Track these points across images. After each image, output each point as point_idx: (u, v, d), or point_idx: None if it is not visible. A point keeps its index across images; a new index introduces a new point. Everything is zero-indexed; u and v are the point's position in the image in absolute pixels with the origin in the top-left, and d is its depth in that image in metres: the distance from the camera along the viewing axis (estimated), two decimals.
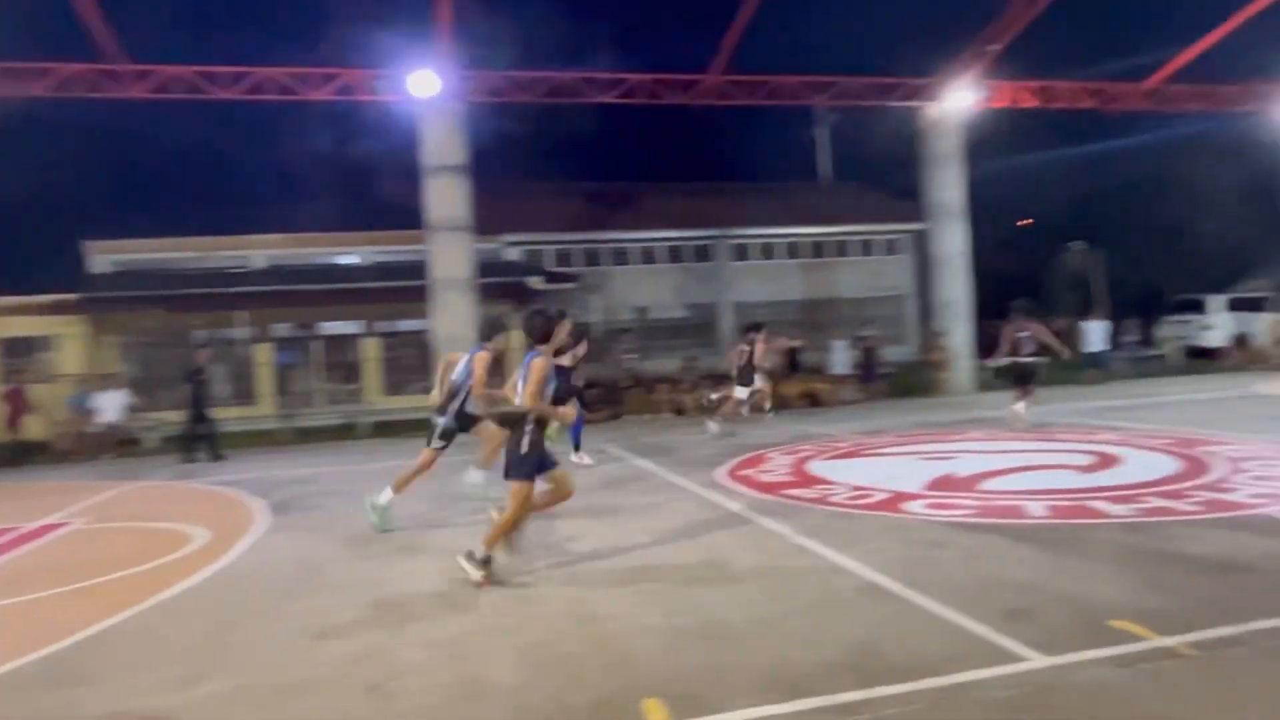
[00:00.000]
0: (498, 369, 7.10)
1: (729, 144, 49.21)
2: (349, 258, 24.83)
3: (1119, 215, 36.45)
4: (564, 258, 27.91)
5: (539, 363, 5.43)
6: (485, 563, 5.50)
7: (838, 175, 37.33)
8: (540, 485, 5.67)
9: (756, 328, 13.08)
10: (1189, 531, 5.89)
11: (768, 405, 13.88)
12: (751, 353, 12.74)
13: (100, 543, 7.62)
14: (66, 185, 30.70)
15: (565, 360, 9.19)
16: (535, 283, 20.77)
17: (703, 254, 29.67)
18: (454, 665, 4.17)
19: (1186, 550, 5.43)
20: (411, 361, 18.01)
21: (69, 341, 17.45)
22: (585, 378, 11.62)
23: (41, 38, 14.89)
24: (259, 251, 24.41)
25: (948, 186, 18.58)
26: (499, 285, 19.37)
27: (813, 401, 16.57)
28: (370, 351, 18.32)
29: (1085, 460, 8.93)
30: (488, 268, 17.95)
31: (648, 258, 29.40)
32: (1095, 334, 19.35)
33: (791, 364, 19.40)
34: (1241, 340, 22.43)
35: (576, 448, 10.41)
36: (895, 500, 7.38)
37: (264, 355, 17.99)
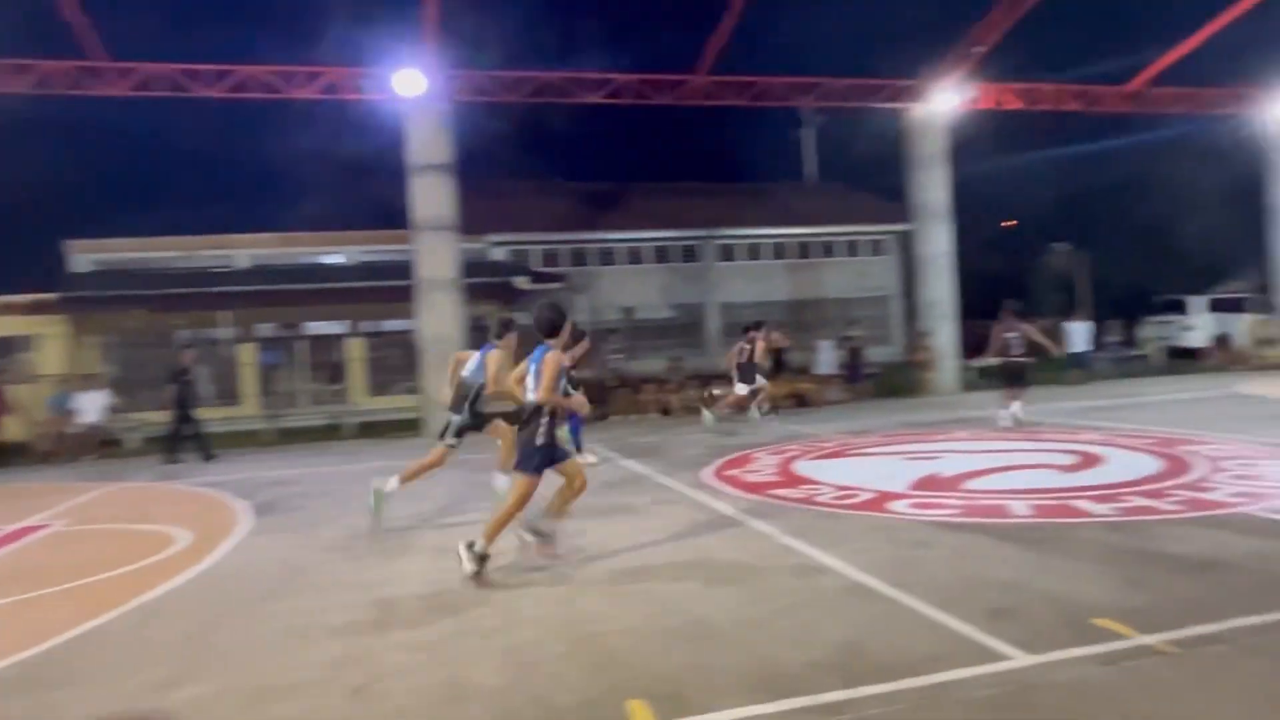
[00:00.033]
0: (510, 367, 7.14)
1: (716, 145, 49.35)
2: (334, 257, 24.72)
3: (1102, 216, 36.82)
4: (550, 258, 27.88)
5: (553, 356, 5.48)
6: (482, 559, 5.48)
7: (824, 176, 37.48)
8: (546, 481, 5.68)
9: (757, 326, 13.26)
10: (1170, 530, 5.94)
11: (765, 406, 13.97)
12: (752, 351, 12.90)
13: (82, 545, 7.55)
14: (47, 184, 30.43)
15: (565, 360, 9.23)
16: (521, 283, 20.72)
17: (689, 254, 29.70)
18: (438, 667, 4.16)
19: (1168, 549, 5.48)
20: (397, 362, 17.93)
21: (49, 341, 17.28)
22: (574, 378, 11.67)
23: (21, 34, 14.73)
24: (243, 251, 24.26)
25: (933, 187, 18.67)
26: (485, 285, 19.33)
27: (799, 401, 16.62)
28: (355, 352, 18.23)
29: (1068, 460, 9.00)
30: (474, 268, 17.89)
31: (634, 258, 29.40)
32: (1078, 334, 19.49)
33: (778, 364, 19.43)
34: (1222, 341, 22.67)
35: (578, 448, 10.41)
36: (880, 500, 7.41)
37: (248, 355, 17.87)
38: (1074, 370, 18.59)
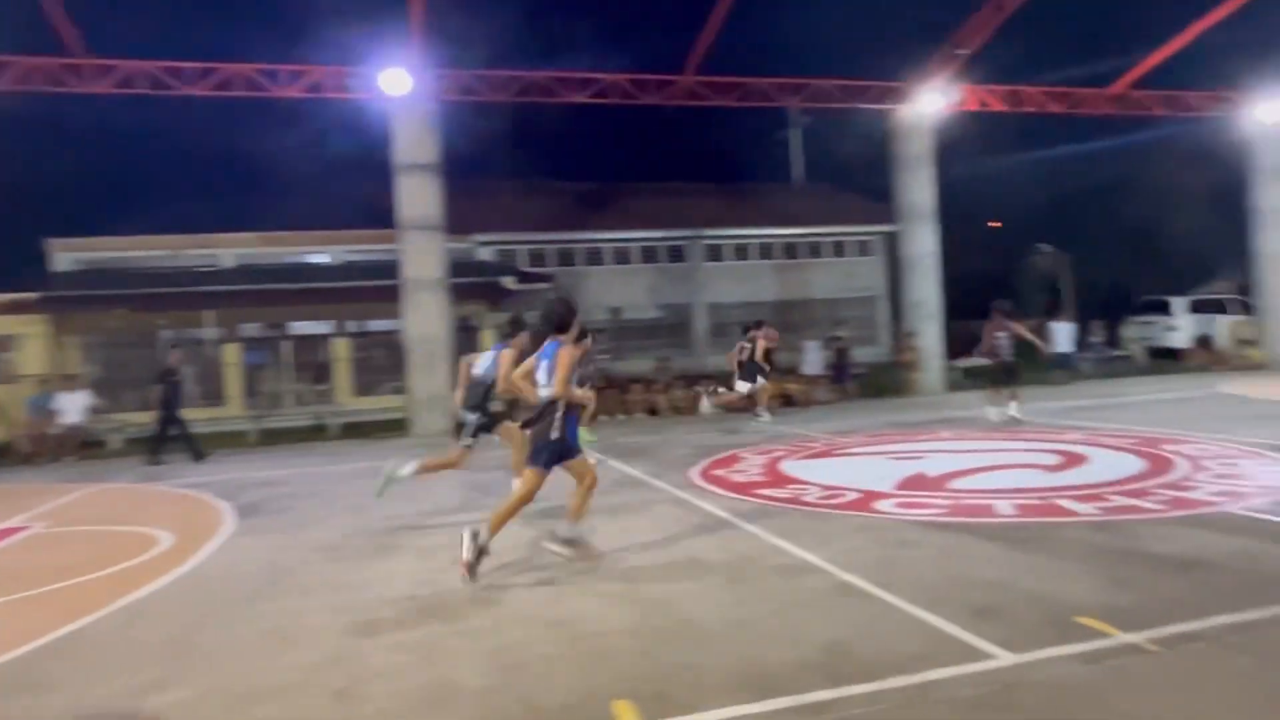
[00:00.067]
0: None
1: (703, 145, 49.38)
2: (319, 257, 24.60)
3: (1086, 217, 37.12)
4: (537, 258, 27.84)
5: (568, 351, 5.48)
6: (481, 551, 5.45)
7: (811, 177, 37.61)
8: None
9: (757, 325, 13.49)
10: (1153, 530, 5.99)
11: (761, 407, 14.06)
12: (753, 350, 13.09)
13: (63, 547, 7.47)
14: (28, 182, 30.13)
15: (579, 354, 9.37)
16: (508, 283, 20.67)
17: (677, 254, 29.72)
18: (423, 669, 4.14)
19: (1150, 548, 5.52)
20: (382, 362, 17.86)
21: (30, 341, 17.11)
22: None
23: (1, 30, 14.57)
24: (227, 250, 24.10)
25: (918, 188, 18.75)
26: (471, 285, 19.27)
27: (786, 402, 16.64)
28: (340, 352, 18.14)
29: (1052, 459, 9.06)
30: (460, 267, 17.83)
31: (621, 258, 29.39)
32: (1062, 335, 19.64)
33: (767, 363, 19.46)
34: (1204, 341, 22.89)
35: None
36: (867, 500, 7.44)
37: (232, 356, 17.75)
38: (1058, 370, 18.73)
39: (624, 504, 7.88)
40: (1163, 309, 25.17)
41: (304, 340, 19.10)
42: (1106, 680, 3.62)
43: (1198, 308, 24.74)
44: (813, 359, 19.02)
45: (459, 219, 18.44)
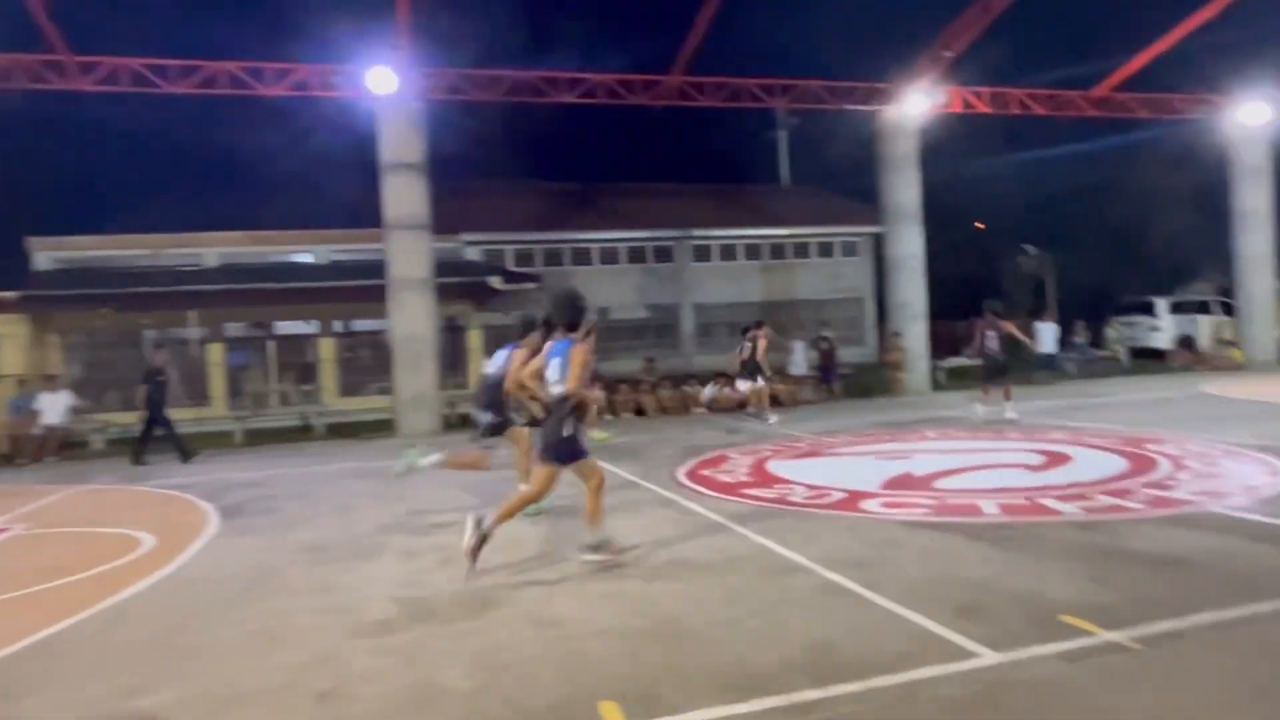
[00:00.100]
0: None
1: (690, 146, 49.47)
2: (304, 256, 24.47)
3: (1071, 219, 37.37)
4: (524, 257, 27.80)
5: (580, 349, 5.49)
6: (484, 538, 5.45)
7: (797, 178, 37.73)
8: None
9: (758, 325, 13.89)
10: (1136, 529, 6.04)
11: (757, 407, 14.15)
12: (754, 349, 13.42)
13: (44, 549, 7.39)
14: (8, 181, 29.82)
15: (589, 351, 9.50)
16: (495, 282, 20.64)
17: (664, 255, 29.75)
18: (408, 670, 4.12)
19: (1133, 547, 5.57)
20: (368, 362, 17.79)
21: (9, 341, 16.92)
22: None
23: None
24: (211, 249, 23.94)
25: (904, 189, 18.83)
26: (458, 285, 19.22)
27: (772, 402, 16.65)
28: (326, 352, 18.04)
29: (1037, 459, 9.12)
30: (447, 267, 17.78)
31: (609, 258, 29.39)
32: (1047, 335, 19.76)
33: None
34: (1186, 342, 23.10)
35: None
36: (853, 499, 7.46)
37: (217, 355, 17.62)
38: (1042, 371, 18.85)
39: (610, 503, 7.84)
40: (1146, 309, 25.39)
41: (289, 340, 19.01)
42: (1090, 678, 3.64)
43: (1180, 308, 24.98)
44: (799, 359, 19.07)
45: (445, 218, 18.39)
